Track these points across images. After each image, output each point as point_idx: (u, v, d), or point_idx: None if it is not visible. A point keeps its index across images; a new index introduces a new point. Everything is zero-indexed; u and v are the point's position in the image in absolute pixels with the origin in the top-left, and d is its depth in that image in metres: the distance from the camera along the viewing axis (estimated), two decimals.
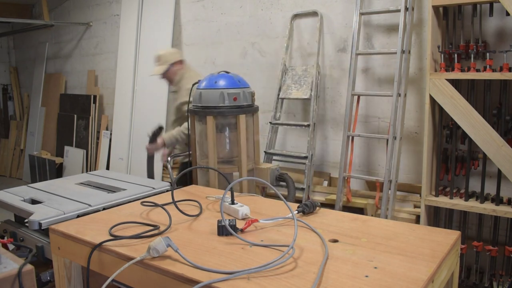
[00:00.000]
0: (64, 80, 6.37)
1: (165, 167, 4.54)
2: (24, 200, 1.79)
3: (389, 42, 3.34)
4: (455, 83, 2.74)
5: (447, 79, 2.70)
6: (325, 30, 3.66)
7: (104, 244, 1.24)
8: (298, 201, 2.54)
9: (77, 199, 1.74)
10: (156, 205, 1.59)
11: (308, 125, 3.54)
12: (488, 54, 2.67)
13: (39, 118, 6.59)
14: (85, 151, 5.74)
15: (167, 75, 3.15)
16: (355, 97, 3.33)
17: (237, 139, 2.35)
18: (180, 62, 3.19)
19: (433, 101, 2.77)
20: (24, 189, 1.96)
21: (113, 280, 1.14)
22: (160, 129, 2.97)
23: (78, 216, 1.57)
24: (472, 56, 2.73)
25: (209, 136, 2.31)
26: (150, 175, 2.95)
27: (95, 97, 5.70)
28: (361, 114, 3.46)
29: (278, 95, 3.75)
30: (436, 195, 2.88)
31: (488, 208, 2.66)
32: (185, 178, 3.08)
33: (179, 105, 3.03)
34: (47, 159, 6.00)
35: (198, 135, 2.52)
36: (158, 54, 3.15)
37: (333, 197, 3.36)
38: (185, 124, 2.97)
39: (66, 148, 6.03)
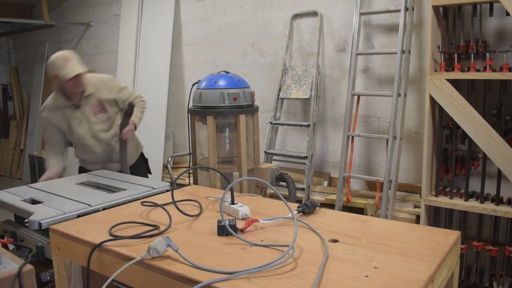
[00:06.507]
0: None
1: (165, 166, 4.54)
2: (24, 200, 1.79)
3: (389, 42, 3.34)
4: (455, 83, 2.74)
5: (447, 79, 2.70)
6: (325, 30, 3.66)
7: (104, 244, 1.24)
8: (298, 201, 2.54)
9: (77, 199, 1.74)
10: (156, 205, 1.59)
11: (308, 125, 3.54)
12: (488, 54, 2.67)
13: (39, 118, 6.59)
14: None
15: (82, 80, 2.52)
16: (355, 97, 3.33)
17: (237, 139, 2.35)
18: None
19: (433, 101, 2.77)
20: (24, 189, 1.96)
21: (113, 280, 1.14)
22: (132, 108, 2.62)
23: (78, 216, 1.57)
24: (472, 56, 2.72)
25: (209, 136, 2.31)
26: (125, 167, 2.65)
27: None
28: (361, 114, 3.46)
29: (278, 95, 3.75)
30: (436, 195, 2.88)
31: (488, 208, 2.66)
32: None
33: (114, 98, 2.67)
34: None
35: (198, 135, 2.52)
36: (69, 55, 2.46)
37: (333, 197, 3.36)
38: (136, 95, 2.74)
39: None
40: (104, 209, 1.66)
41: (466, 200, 2.78)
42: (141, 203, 1.62)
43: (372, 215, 3.13)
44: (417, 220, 3.02)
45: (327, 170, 3.77)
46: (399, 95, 3.08)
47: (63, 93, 2.56)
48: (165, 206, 1.53)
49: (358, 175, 3.42)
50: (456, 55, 2.76)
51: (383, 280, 0.99)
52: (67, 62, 2.42)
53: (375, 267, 1.06)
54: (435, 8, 2.73)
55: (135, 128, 2.65)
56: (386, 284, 0.98)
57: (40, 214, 1.54)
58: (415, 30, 3.18)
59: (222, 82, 2.36)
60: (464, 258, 2.90)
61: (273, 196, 3.20)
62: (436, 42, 2.81)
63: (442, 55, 2.80)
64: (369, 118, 3.50)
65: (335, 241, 1.24)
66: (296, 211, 1.46)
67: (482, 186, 2.73)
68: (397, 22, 3.15)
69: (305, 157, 3.51)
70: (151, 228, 1.35)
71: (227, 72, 2.47)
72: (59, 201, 1.74)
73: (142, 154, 2.99)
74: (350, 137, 3.32)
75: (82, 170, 2.76)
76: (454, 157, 2.87)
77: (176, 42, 4.72)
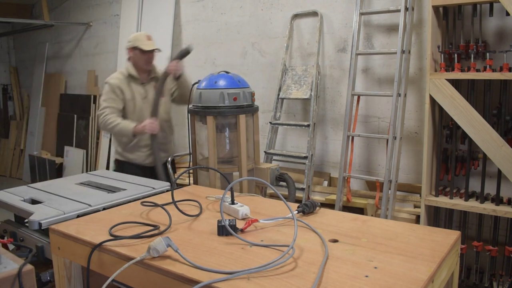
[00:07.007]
0: (64, 80, 6.37)
1: None
2: (24, 200, 1.79)
3: (389, 42, 3.34)
4: (455, 83, 2.74)
5: (447, 79, 2.70)
6: (325, 30, 3.66)
7: (104, 244, 1.24)
8: (298, 201, 2.54)
9: (77, 199, 1.74)
10: (156, 205, 1.59)
11: (308, 125, 3.54)
12: (488, 54, 2.67)
13: (39, 118, 6.58)
14: (85, 151, 5.74)
15: (154, 58, 3.00)
16: (355, 97, 3.33)
17: (237, 139, 2.35)
18: None
19: (433, 101, 2.77)
20: (24, 189, 1.96)
21: (113, 280, 1.14)
22: (186, 53, 2.84)
23: (78, 216, 1.57)
24: (472, 56, 2.72)
25: (209, 136, 2.31)
26: (156, 153, 2.84)
27: (95, 97, 5.70)
28: (361, 114, 3.46)
29: (278, 95, 3.75)
30: (436, 195, 2.88)
31: (488, 208, 2.66)
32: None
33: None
34: (47, 159, 6.00)
35: (198, 135, 2.52)
36: (150, 35, 2.98)
37: (333, 197, 3.36)
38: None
39: (66, 148, 6.03)
40: (104, 209, 1.66)
41: (466, 200, 2.78)
42: (141, 203, 1.62)
43: (372, 215, 3.13)
44: (417, 220, 3.02)
45: (327, 170, 3.77)
46: (399, 95, 3.08)
47: (134, 67, 2.93)
48: (165, 206, 1.53)
49: (358, 175, 3.42)
50: (456, 55, 2.76)
51: (383, 280, 0.99)
52: (148, 39, 2.91)
53: (375, 267, 1.06)
54: (435, 8, 2.73)
55: (180, 75, 2.89)
56: (386, 284, 0.98)
57: (40, 214, 1.54)
58: (415, 30, 3.18)
59: (222, 82, 2.36)
60: (464, 258, 2.89)
61: (273, 196, 3.20)
62: (436, 42, 2.81)
63: (442, 55, 2.80)
64: (369, 118, 3.50)
65: (335, 241, 1.24)
66: (296, 211, 1.46)
67: (482, 186, 2.73)
68: (397, 22, 3.15)
69: (305, 157, 3.51)
70: (151, 228, 1.35)
71: (227, 72, 2.47)
72: (59, 201, 1.74)
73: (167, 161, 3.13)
74: (350, 137, 3.32)
75: (119, 163, 3.01)
76: (454, 157, 2.87)
77: (176, 42, 4.72)
